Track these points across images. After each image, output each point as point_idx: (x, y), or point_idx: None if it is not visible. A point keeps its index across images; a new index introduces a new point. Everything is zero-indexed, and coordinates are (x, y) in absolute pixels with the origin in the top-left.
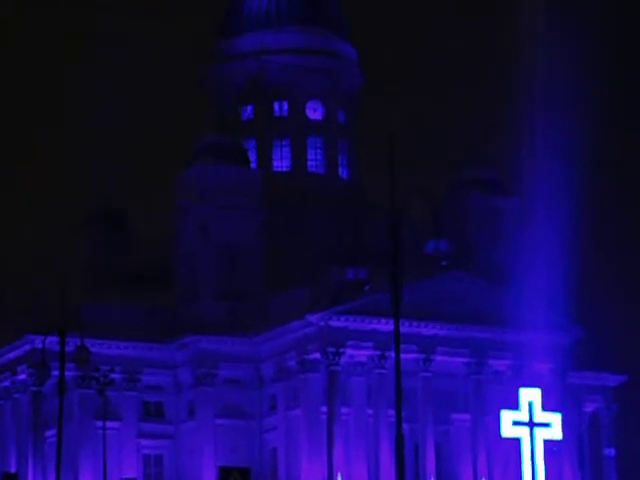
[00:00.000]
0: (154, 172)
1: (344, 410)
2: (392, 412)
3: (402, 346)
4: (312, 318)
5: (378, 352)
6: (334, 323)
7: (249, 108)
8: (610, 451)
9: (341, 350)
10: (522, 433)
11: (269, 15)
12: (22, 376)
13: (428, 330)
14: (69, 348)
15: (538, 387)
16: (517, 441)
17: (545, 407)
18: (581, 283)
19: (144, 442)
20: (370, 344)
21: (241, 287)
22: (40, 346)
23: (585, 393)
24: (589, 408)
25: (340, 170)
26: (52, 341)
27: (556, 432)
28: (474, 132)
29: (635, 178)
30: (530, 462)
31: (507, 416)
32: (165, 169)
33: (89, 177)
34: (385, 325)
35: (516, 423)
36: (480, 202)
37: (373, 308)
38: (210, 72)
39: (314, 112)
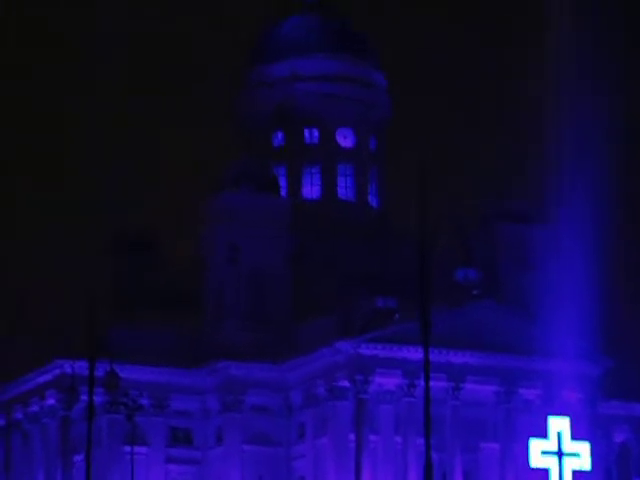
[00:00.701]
0: (185, 197)
1: (372, 438)
2: (420, 440)
3: (431, 374)
4: (341, 346)
5: (407, 380)
6: (363, 351)
7: (279, 135)
8: None
9: (370, 378)
10: (551, 463)
11: (301, 42)
12: (51, 401)
13: (457, 358)
14: (98, 373)
15: (567, 416)
16: (546, 471)
17: (574, 437)
18: (610, 312)
19: (172, 467)
20: (399, 372)
21: (269, 313)
22: (69, 371)
23: (614, 423)
24: (618, 438)
25: (370, 198)
26: (81, 366)
27: (585, 462)
28: (505, 161)
29: None
30: None
31: (536, 445)
32: (196, 195)
33: (120, 201)
34: (414, 353)
35: (545, 452)
36: (509, 232)
37: (402, 336)
38: (242, 98)
39: (344, 139)
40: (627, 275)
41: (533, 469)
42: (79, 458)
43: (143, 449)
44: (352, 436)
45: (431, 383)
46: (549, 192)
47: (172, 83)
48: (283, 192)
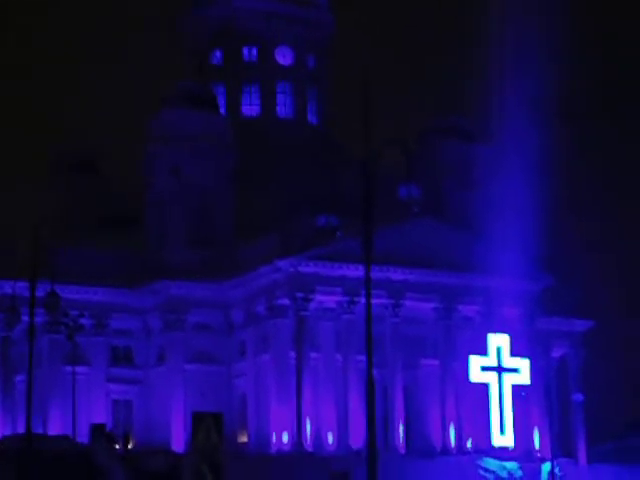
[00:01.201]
0: (126, 118)
1: (313, 355)
2: (361, 357)
3: (371, 292)
4: (281, 264)
5: (347, 298)
6: (303, 269)
7: (218, 53)
8: (578, 396)
9: (310, 296)
10: (490, 378)
11: None
12: None
13: (397, 275)
14: (39, 293)
15: (507, 333)
16: (485, 386)
17: (513, 353)
18: (550, 230)
19: (113, 387)
20: (339, 290)
21: (211, 233)
22: (10, 291)
23: (553, 338)
24: (557, 353)
25: (309, 116)
26: (21, 286)
27: (524, 377)
28: (447, 80)
29: (606, 125)
30: (498, 407)
31: (476, 361)
32: (137, 115)
33: (59, 122)
34: (354, 271)
35: (485, 368)
36: (453, 150)
37: (342, 254)
38: (182, 17)
39: (283, 57)
40: (568, 193)
41: (473, 384)
42: (20, 379)
43: (84, 369)
44: (293, 354)
45: (371, 300)
46: (492, 110)
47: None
48: (222, 110)
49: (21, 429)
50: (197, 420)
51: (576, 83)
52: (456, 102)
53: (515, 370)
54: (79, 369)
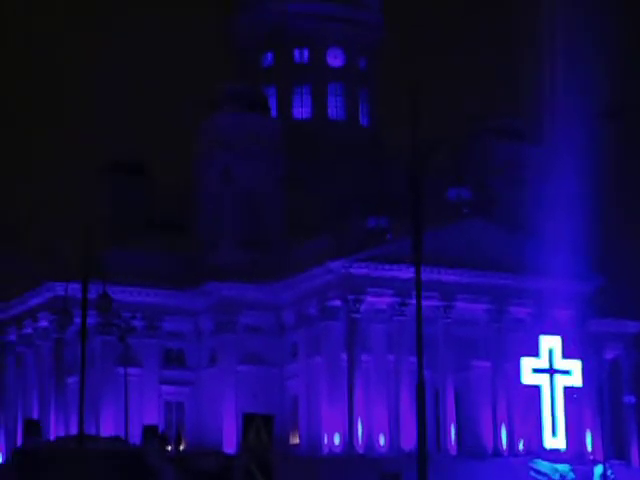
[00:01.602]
0: (177, 121)
1: (364, 357)
2: (412, 359)
3: (423, 293)
4: (333, 265)
5: (398, 299)
6: (355, 270)
7: (269, 55)
8: (630, 398)
9: (361, 297)
10: (542, 380)
11: None
12: (44, 323)
13: (449, 277)
14: (91, 295)
15: (558, 335)
16: (537, 388)
17: (565, 354)
18: (602, 231)
19: (165, 388)
20: (390, 291)
21: (262, 234)
22: (62, 293)
23: (605, 340)
24: (609, 355)
25: (361, 118)
26: (74, 288)
27: (576, 379)
28: (499, 82)
29: None
30: (550, 409)
31: (527, 363)
32: (188, 118)
33: (112, 126)
34: (405, 272)
35: (536, 370)
36: (502, 150)
37: (394, 256)
38: (232, 19)
39: (335, 59)
40: (619, 194)
41: (525, 386)
42: (72, 380)
43: (136, 370)
44: (344, 355)
45: (422, 302)
46: (542, 110)
47: (163, 4)
48: (273, 113)
49: (74, 430)
50: (248, 421)
51: (628, 82)
52: (507, 102)
53: (567, 372)
54: (131, 370)
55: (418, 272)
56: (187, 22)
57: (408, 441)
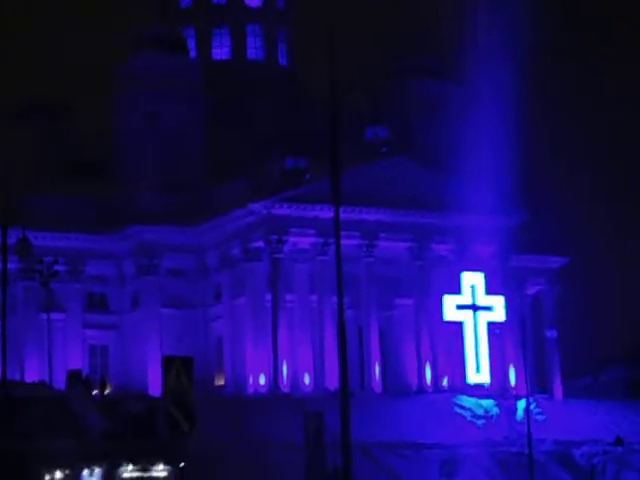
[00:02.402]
0: (95, 63)
1: (288, 297)
2: (336, 298)
3: (344, 233)
4: (254, 207)
5: (321, 239)
6: (276, 211)
7: None
8: (552, 333)
9: (284, 238)
10: (465, 317)
11: None
12: None
13: (370, 216)
14: (11, 241)
15: (481, 271)
16: (460, 325)
17: (488, 291)
18: (523, 166)
19: (89, 333)
20: (312, 231)
21: (183, 177)
22: None
23: (528, 276)
24: (531, 290)
25: (279, 58)
26: None
27: (499, 315)
28: (415, 19)
29: (578, 60)
30: (473, 345)
31: (450, 300)
32: (107, 60)
33: (28, 68)
34: (327, 212)
35: (459, 307)
36: (421, 88)
37: (315, 196)
38: None
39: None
40: (539, 130)
41: (448, 323)
42: None
43: (60, 315)
44: (268, 296)
45: (344, 241)
46: (463, 48)
47: None
48: (193, 54)
49: None
50: (168, 363)
51: (552, 19)
52: (426, 41)
53: (489, 308)
54: (54, 316)
55: (337, 212)
56: None
57: (332, 380)
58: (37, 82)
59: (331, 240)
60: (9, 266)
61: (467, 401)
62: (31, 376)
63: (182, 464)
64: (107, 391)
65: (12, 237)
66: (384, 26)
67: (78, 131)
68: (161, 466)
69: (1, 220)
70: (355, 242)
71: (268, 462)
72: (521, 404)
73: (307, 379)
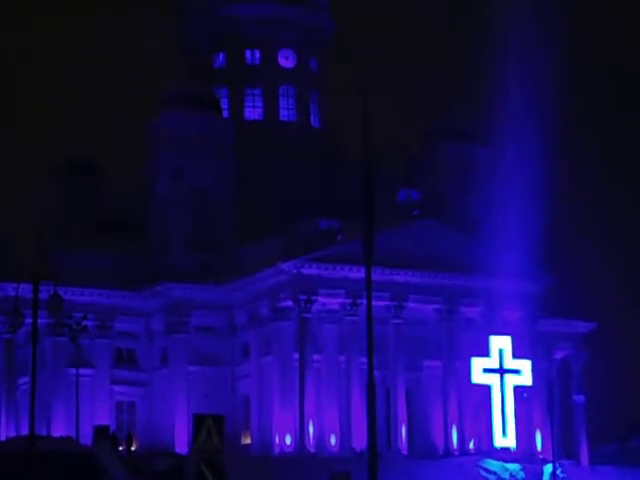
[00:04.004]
0: (129, 121)
1: (316, 357)
2: (363, 359)
3: (374, 294)
4: (284, 266)
5: (350, 300)
6: (306, 271)
7: (221, 56)
8: (579, 398)
9: (313, 298)
10: (492, 380)
11: None
12: None
13: (400, 277)
14: (42, 296)
15: (509, 334)
16: (488, 388)
17: (515, 354)
18: (551, 231)
19: (117, 389)
20: (342, 292)
21: (214, 235)
22: (13, 294)
23: (555, 340)
24: (559, 355)
25: (312, 119)
26: (25, 289)
27: (526, 379)
28: (448, 83)
29: (604, 128)
30: (500, 408)
31: (478, 363)
32: (140, 118)
33: (61, 124)
34: (357, 273)
35: (487, 370)
36: (452, 151)
37: (345, 256)
38: (185, 21)
39: (286, 60)
40: (568, 195)
41: (475, 386)
42: (23, 381)
43: (88, 371)
44: (296, 356)
45: (374, 302)
46: (492, 112)
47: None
48: (225, 114)
49: (25, 431)
50: (198, 421)
51: (578, 85)
52: (456, 104)
53: (517, 371)
54: (83, 371)
55: (369, 272)
56: (140, 22)
57: (359, 441)
58: (72, 140)
59: (360, 301)
60: (39, 321)
61: (493, 465)
62: (58, 431)
63: None
64: (133, 447)
65: (43, 292)
66: (417, 88)
67: (111, 188)
68: None
69: (33, 275)
70: (384, 303)
71: None
72: (547, 469)
73: (333, 439)
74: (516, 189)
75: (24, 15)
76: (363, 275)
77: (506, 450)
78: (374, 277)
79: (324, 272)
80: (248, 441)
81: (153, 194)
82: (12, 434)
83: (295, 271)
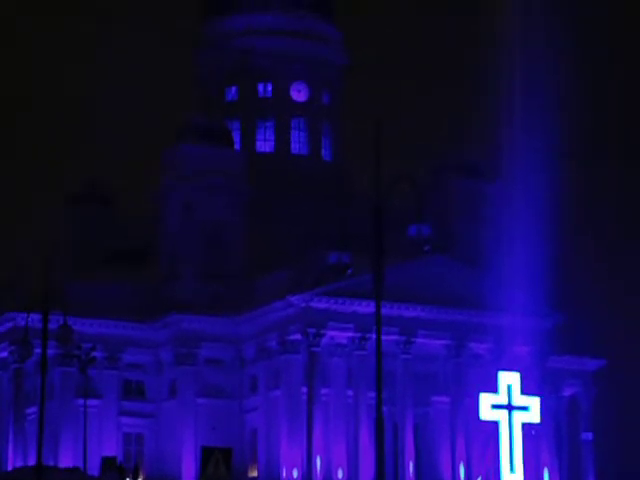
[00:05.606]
0: (140, 152)
1: (324, 391)
2: (372, 394)
3: (383, 328)
4: (293, 299)
5: (359, 334)
6: (315, 304)
7: (233, 89)
8: (588, 435)
9: (322, 331)
10: (501, 416)
11: None
12: (3, 353)
13: (409, 312)
14: (52, 326)
15: (517, 371)
16: (495, 424)
17: (524, 391)
18: (561, 268)
19: (125, 420)
20: (351, 326)
21: (224, 267)
22: (22, 323)
23: (564, 377)
24: (568, 392)
25: (323, 152)
26: (35, 319)
27: (534, 416)
28: (458, 117)
29: (615, 165)
30: (508, 445)
31: (486, 399)
32: (151, 150)
33: (75, 157)
34: (366, 307)
35: (495, 406)
36: (462, 187)
37: (354, 290)
38: (196, 52)
39: (298, 94)
40: (577, 230)
41: (483, 422)
42: (31, 411)
43: (96, 402)
44: (304, 389)
45: (383, 337)
46: (501, 148)
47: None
48: (237, 147)
49: (32, 461)
50: (206, 454)
51: (587, 123)
52: (466, 140)
53: (525, 408)
54: (91, 402)
55: (378, 307)
56: (152, 55)
57: (366, 475)
58: (82, 169)
59: (369, 335)
60: (48, 351)
61: None
62: (65, 461)
63: None
64: (140, 479)
65: (53, 322)
66: (428, 123)
67: (122, 218)
68: None
69: (42, 305)
70: (393, 338)
71: None
72: None
73: (340, 473)
74: (526, 225)
75: (47, 50)
76: (372, 309)
77: None
78: (383, 312)
79: (333, 306)
80: (255, 474)
81: (164, 225)
82: (19, 464)
83: (304, 304)
